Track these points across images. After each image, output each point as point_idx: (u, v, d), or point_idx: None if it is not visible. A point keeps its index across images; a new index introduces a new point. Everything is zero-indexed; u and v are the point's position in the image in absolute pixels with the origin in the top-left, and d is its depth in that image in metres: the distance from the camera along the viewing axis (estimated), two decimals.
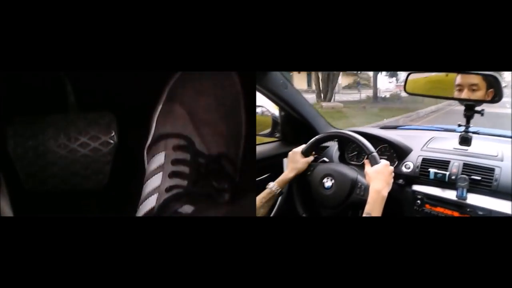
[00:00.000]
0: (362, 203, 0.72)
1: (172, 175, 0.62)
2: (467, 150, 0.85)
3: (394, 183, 0.78)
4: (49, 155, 0.68)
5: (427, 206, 0.80)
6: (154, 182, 0.63)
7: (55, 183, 0.70)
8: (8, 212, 0.56)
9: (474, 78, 0.80)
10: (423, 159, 0.85)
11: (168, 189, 0.61)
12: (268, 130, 1.21)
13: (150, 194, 0.62)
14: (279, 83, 0.98)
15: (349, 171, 0.82)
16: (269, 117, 1.20)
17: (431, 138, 0.96)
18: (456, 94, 0.84)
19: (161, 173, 0.63)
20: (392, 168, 0.77)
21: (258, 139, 1.14)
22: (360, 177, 0.80)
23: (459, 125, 0.85)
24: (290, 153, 0.89)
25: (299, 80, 8.31)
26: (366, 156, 0.80)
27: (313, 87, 7.60)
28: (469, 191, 0.76)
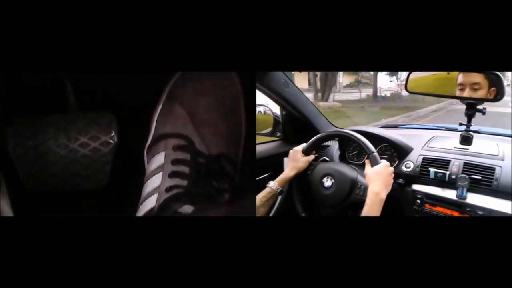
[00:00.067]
0: (362, 203, 0.72)
1: (172, 175, 0.62)
2: (468, 149, 0.85)
3: (394, 182, 0.78)
4: (49, 155, 0.68)
5: (427, 205, 0.80)
6: (154, 182, 0.63)
7: (55, 183, 0.70)
8: (8, 212, 0.56)
9: (476, 77, 0.80)
10: (424, 158, 0.85)
11: (168, 189, 0.61)
12: (269, 129, 1.21)
13: (150, 194, 0.62)
14: (280, 82, 0.98)
15: (349, 171, 0.82)
16: (270, 116, 1.20)
17: (432, 137, 0.96)
18: (458, 93, 0.84)
19: (161, 173, 0.63)
20: (392, 169, 0.76)
21: (259, 138, 1.14)
22: (360, 177, 0.80)
23: (460, 124, 0.85)
24: (291, 151, 0.89)
25: (301, 78, 8.30)
26: (366, 156, 0.80)
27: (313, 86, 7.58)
28: (469, 190, 0.76)
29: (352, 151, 1.03)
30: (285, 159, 1.04)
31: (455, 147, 0.86)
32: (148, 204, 0.62)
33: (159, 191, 0.62)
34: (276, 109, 1.19)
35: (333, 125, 1.22)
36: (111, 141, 0.70)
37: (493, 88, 0.79)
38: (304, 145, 0.89)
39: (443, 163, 0.82)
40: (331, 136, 0.97)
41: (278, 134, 1.22)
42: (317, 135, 0.90)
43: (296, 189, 0.88)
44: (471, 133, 0.83)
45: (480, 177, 0.76)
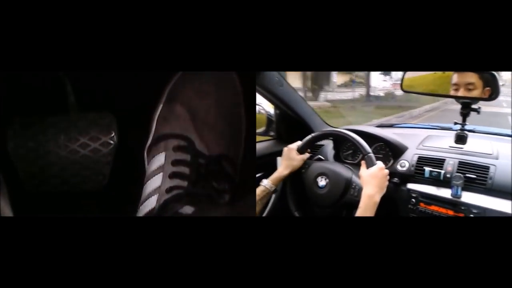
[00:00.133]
0: (356, 203, 0.72)
1: (173, 175, 0.62)
2: (462, 148, 0.85)
3: (389, 181, 0.78)
4: (49, 156, 0.68)
5: (422, 204, 0.81)
6: (154, 182, 0.63)
7: (55, 184, 0.70)
8: (8, 212, 0.56)
9: (470, 77, 0.81)
10: (419, 157, 0.85)
11: (168, 190, 0.61)
12: (262, 129, 1.20)
13: (151, 194, 0.62)
14: (274, 81, 0.97)
15: (344, 171, 0.82)
16: (264, 115, 1.19)
17: (427, 136, 0.96)
18: (452, 93, 0.85)
19: (161, 174, 0.63)
20: (387, 171, 0.76)
21: None
22: (354, 178, 0.80)
23: (455, 123, 0.86)
24: (285, 149, 0.88)
25: (294, 78, 8.28)
26: (362, 157, 0.79)
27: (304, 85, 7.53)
28: (464, 189, 0.77)
29: (347, 150, 1.02)
30: (279, 158, 1.02)
31: (450, 146, 0.87)
32: (149, 204, 0.62)
33: (159, 191, 0.62)
34: (269, 108, 1.18)
35: (328, 125, 1.21)
36: (111, 142, 0.70)
37: (488, 88, 0.80)
38: (298, 143, 0.89)
39: (438, 162, 0.82)
40: (326, 135, 0.97)
41: (272, 133, 1.21)
42: (313, 134, 0.89)
43: (290, 188, 0.88)
44: (466, 132, 0.84)
45: (474, 176, 0.77)
